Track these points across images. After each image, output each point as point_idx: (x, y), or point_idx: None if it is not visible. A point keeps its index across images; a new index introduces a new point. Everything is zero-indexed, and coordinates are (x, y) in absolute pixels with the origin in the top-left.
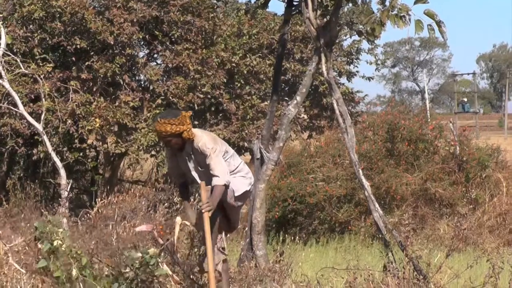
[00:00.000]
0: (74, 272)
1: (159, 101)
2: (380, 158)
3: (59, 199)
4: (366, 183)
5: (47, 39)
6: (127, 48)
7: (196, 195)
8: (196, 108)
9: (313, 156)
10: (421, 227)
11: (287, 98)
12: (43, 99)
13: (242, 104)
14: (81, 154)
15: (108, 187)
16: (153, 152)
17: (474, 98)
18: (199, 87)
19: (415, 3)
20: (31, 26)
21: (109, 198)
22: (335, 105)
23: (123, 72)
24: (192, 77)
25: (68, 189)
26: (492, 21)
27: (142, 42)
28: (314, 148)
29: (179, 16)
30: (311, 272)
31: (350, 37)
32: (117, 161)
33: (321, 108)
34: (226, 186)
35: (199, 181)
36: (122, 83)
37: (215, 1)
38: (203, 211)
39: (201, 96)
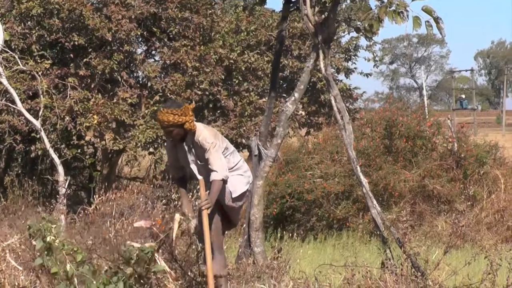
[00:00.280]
0: (69, 268)
1: (157, 97)
2: (378, 155)
3: (57, 196)
4: (364, 180)
5: (45, 35)
6: (125, 45)
7: (195, 191)
8: (194, 105)
9: (311, 153)
10: (419, 223)
11: (285, 95)
12: (41, 96)
13: (240, 101)
14: (79, 150)
15: (106, 184)
16: (151, 149)
17: (472, 94)
18: (197, 84)
19: None
20: (29, 22)
21: (107, 195)
22: (333, 101)
23: (121, 69)
24: (190, 73)
25: (66, 186)
26: (490, 18)
27: (140, 39)
28: (312, 144)
29: (177, 13)
30: (309, 268)
31: (348, 33)
32: (115, 157)
33: (319, 105)
34: (224, 181)
35: (197, 174)
36: (120, 79)
37: None
38: (202, 208)
39: (199, 92)
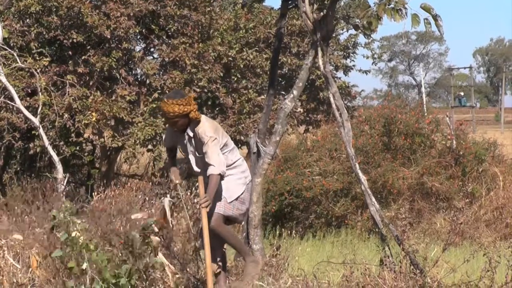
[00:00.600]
0: (85, 266)
1: (155, 95)
2: (376, 152)
3: (56, 193)
4: (363, 177)
5: (44, 33)
6: (124, 42)
7: (193, 188)
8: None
9: (309, 150)
10: (418, 221)
11: (283, 92)
12: (40, 93)
13: (239, 98)
14: (77, 148)
15: (105, 181)
16: (149, 146)
17: (471, 92)
18: (196, 81)
19: None
20: (27, 20)
21: (105, 192)
22: (331, 99)
23: (119, 66)
24: (188, 71)
25: (64, 183)
26: (489, 15)
27: (138, 36)
28: (311, 142)
29: (175, 10)
30: (307, 266)
31: (347, 31)
32: (113, 155)
33: (318, 102)
34: (221, 176)
35: (194, 166)
36: (118, 77)
37: None
38: (201, 206)
39: (198, 90)
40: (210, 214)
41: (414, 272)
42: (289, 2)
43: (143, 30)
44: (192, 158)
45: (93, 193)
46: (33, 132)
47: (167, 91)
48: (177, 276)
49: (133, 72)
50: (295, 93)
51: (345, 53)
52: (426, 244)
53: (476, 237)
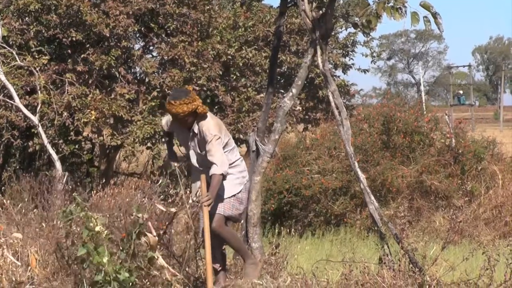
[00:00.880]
0: (106, 260)
1: (154, 93)
2: (375, 150)
3: (54, 191)
4: (362, 176)
5: (43, 31)
6: (123, 41)
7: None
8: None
9: (308, 149)
10: (417, 219)
11: (282, 91)
12: (39, 92)
13: (238, 96)
14: (76, 146)
15: (104, 179)
16: (148, 145)
17: (470, 90)
18: (195, 80)
19: None
20: (26, 18)
21: (104, 191)
22: (330, 97)
23: (118, 65)
24: (187, 69)
25: (63, 182)
26: (488, 13)
27: (137, 35)
28: (310, 140)
29: (174, 9)
30: (306, 264)
31: (346, 29)
32: (112, 153)
33: (317, 101)
34: (224, 176)
35: (194, 162)
36: (117, 75)
37: None
38: (203, 205)
39: (197, 88)
40: (211, 215)
41: (413, 271)
42: (288, 0)
43: (142, 29)
44: (192, 154)
45: (92, 191)
46: (32, 130)
47: (166, 90)
48: (176, 277)
49: (132, 70)
50: (294, 92)
51: (344, 52)
52: (425, 242)
53: (475, 235)
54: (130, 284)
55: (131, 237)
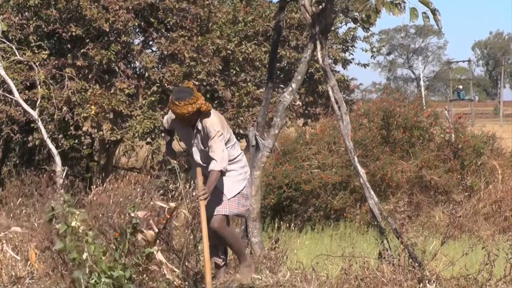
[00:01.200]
0: (85, 256)
1: (154, 88)
2: (375, 145)
3: (54, 186)
4: (361, 170)
5: (43, 26)
6: (123, 35)
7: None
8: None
9: (308, 143)
10: (416, 214)
11: (282, 85)
12: (39, 86)
13: (238, 91)
14: (76, 141)
15: (103, 174)
16: (148, 139)
17: (470, 85)
18: (195, 74)
19: None
20: (26, 13)
21: (104, 185)
22: (330, 92)
23: (118, 59)
24: (187, 64)
25: (63, 176)
26: (488, 8)
27: (137, 29)
28: (310, 135)
29: (174, 3)
30: (306, 259)
31: (346, 24)
32: (112, 148)
33: (317, 95)
34: (222, 173)
35: (197, 159)
36: (117, 70)
37: None
38: (200, 199)
39: (197, 83)
40: (212, 215)
41: (412, 265)
42: None
43: (142, 23)
44: (195, 151)
45: (91, 186)
46: (31, 125)
47: (166, 84)
48: (175, 272)
49: (132, 65)
50: (294, 86)
51: (343, 47)
52: (425, 237)
53: (474, 230)
54: (126, 280)
55: (125, 236)
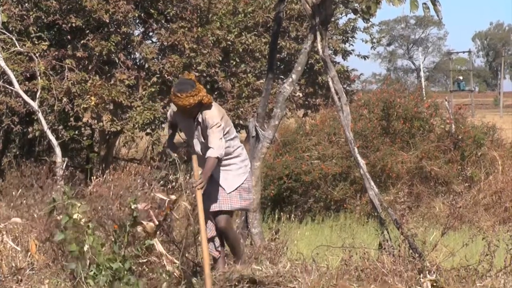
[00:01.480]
0: (86, 248)
1: (154, 79)
2: (375, 136)
3: (54, 177)
4: (362, 161)
5: (43, 17)
6: (123, 26)
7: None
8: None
9: (308, 134)
10: (417, 205)
11: (282, 76)
12: (39, 78)
13: (238, 82)
14: (76, 132)
15: (103, 165)
16: (148, 130)
17: (470, 76)
18: (195, 65)
19: None
20: (26, 4)
21: (104, 176)
22: (330, 83)
23: (118, 50)
24: (187, 55)
25: (63, 167)
26: None
27: (137, 20)
28: (310, 126)
29: None
30: (306, 250)
31: (346, 15)
32: (112, 139)
33: (317, 86)
34: (219, 160)
35: (197, 150)
36: (117, 61)
37: None
38: (196, 188)
39: (197, 74)
40: (216, 214)
41: (413, 256)
42: None
43: (142, 14)
44: (196, 143)
45: (91, 177)
46: (32, 116)
47: (166, 75)
48: (175, 264)
49: (132, 56)
50: (294, 77)
51: (344, 38)
52: (425, 228)
53: (475, 221)
54: (125, 272)
55: (124, 229)
